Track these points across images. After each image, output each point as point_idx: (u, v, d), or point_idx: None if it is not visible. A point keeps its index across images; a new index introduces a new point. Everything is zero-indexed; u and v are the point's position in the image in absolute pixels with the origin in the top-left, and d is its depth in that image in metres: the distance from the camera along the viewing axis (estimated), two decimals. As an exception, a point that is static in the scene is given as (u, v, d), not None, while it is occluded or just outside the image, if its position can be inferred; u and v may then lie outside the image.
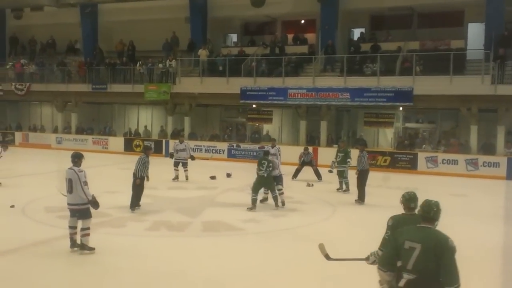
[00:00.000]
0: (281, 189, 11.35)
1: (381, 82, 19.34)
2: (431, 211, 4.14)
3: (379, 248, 4.79)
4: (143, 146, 11.55)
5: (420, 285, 3.96)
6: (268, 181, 11.19)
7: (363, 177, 12.12)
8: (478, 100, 18.32)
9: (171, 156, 15.59)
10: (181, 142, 15.62)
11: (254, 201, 10.98)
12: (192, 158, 15.42)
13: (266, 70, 21.83)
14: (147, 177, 10.77)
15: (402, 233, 4.18)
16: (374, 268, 5.32)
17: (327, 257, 5.21)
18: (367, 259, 4.97)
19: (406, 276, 4.00)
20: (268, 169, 11.10)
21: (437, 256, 3.90)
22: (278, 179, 11.40)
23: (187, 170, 15.23)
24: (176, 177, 15.11)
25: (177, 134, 23.63)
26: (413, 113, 22.28)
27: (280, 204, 11.23)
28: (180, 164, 15.25)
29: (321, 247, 5.25)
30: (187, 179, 15.06)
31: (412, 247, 3.99)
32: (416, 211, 4.85)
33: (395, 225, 4.70)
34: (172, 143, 22.39)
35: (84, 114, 26.99)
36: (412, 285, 3.98)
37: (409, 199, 4.86)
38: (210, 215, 10.66)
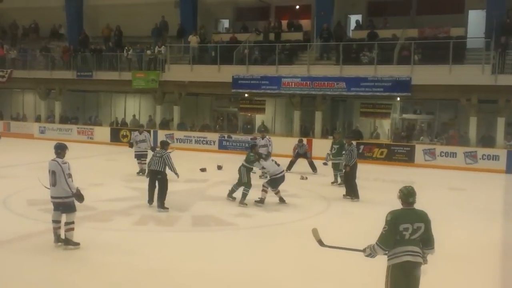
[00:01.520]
0: (274, 189, 11.23)
1: (378, 71, 19.34)
2: None
3: (376, 243, 4.85)
4: (160, 141, 11.46)
5: None
6: (239, 175, 11.18)
7: (353, 172, 12.12)
8: (478, 91, 18.38)
9: (131, 145, 15.28)
10: (140, 132, 15.14)
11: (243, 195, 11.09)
12: (153, 149, 15.01)
13: (259, 58, 21.74)
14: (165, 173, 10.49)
15: None
16: (370, 264, 5.37)
17: (321, 243, 5.21)
18: (363, 251, 5.00)
19: None
20: (243, 162, 11.23)
21: None
22: (275, 182, 11.14)
23: (145, 163, 14.46)
24: (140, 171, 14.72)
25: (166, 124, 23.62)
26: (411, 104, 22.32)
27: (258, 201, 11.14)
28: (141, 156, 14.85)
29: (315, 232, 5.25)
30: (144, 172, 14.24)
31: None
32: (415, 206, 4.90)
33: (394, 220, 4.78)
34: (161, 134, 22.48)
35: (68, 102, 26.80)
36: None
37: (407, 194, 4.90)
38: (200, 209, 10.64)
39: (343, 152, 12.93)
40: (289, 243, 8.24)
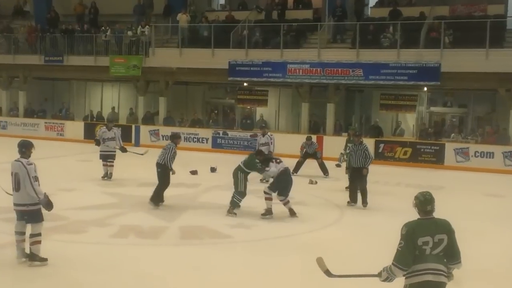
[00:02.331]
0: (282, 198, 10.89)
1: (402, 56, 19.35)
2: None
3: (392, 263, 4.85)
4: (170, 134, 12.58)
5: None
6: (234, 180, 11.03)
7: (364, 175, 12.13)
8: (519, 80, 18.42)
9: (97, 143, 14.97)
10: (109, 128, 14.93)
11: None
12: (123, 149, 14.82)
13: (261, 40, 21.78)
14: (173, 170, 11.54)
15: None
16: (387, 284, 5.38)
17: (328, 273, 5.23)
18: (379, 275, 5.01)
19: None
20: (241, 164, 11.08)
21: None
22: (280, 185, 10.81)
23: (112, 166, 14.59)
24: (106, 175, 14.59)
25: (150, 118, 23.64)
26: (440, 95, 22.34)
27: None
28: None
29: (320, 262, 5.27)
30: (110, 177, 14.51)
31: None
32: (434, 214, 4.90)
33: (411, 233, 4.78)
34: (144, 130, 22.52)
35: (34, 92, 26.84)
36: None
37: (424, 201, 4.91)
38: (191, 219, 10.67)
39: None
40: (295, 260, 8.25)
